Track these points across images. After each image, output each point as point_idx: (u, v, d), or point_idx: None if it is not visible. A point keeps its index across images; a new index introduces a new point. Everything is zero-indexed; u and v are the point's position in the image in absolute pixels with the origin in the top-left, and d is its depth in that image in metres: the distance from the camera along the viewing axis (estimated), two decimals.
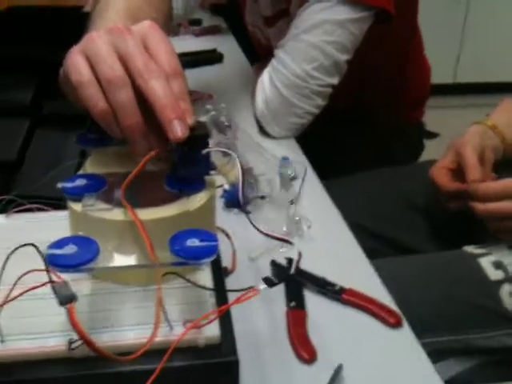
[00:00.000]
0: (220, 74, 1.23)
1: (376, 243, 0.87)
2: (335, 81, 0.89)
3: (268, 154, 0.78)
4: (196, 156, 0.44)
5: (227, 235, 0.64)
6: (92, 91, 0.43)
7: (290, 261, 0.59)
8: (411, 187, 0.96)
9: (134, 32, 0.45)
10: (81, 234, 0.41)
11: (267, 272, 0.59)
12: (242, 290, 0.39)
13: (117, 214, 0.41)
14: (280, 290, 0.56)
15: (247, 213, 0.68)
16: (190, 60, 1.24)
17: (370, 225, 0.88)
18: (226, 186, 0.70)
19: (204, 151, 0.43)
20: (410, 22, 1.07)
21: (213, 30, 1.51)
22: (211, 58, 1.28)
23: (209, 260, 0.38)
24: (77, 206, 0.42)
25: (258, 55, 1.26)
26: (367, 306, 0.54)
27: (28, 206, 0.58)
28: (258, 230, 0.52)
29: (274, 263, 0.59)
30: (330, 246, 0.65)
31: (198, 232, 0.39)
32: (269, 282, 0.40)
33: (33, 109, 0.73)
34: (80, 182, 0.45)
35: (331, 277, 0.58)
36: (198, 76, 1.17)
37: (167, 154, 0.46)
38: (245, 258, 0.61)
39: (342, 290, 0.56)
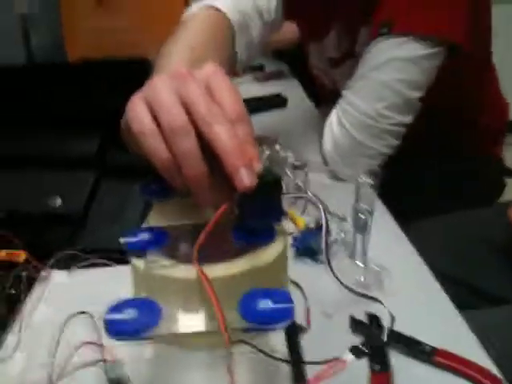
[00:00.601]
0: (285, 118, 1.20)
1: (461, 292, 0.79)
2: (408, 119, 0.84)
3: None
4: (266, 204, 0.40)
5: (300, 288, 0.59)
6: (154, 141, 0.40)
7: (372, 317, 0.53)
8: (493, 231, 0.88)
9: (196, 76, 0.42)
10: (143, 294, 0.38)
11: (345, 329, 0.54)
12: (323, 362, 0.34)
13: (181, 272, 0.37)
14: None
15: (329, 263, 0.63)
16: (254, 105, 1.23)
17: (453, 273, 0.80)
18: (296, 233, 0.66)
19: (276, 198, 0.39)
20: (483, 54, 1.01)
21: (276, 75, 1.50)
22: (275, 102, 1.26)
23: (284, 325, 0.33)
24: (139, 263, 0.39)
25: (323, 99, 1.23)
26: (464, 370, 0.48)
27: (92, 261, 0.56)
28: (343, 285, 0.46)
29: (353, 320, 0.53)
30: (415, 298, 0.59)
31: (270, 292, 0.35)
32: (357, 352, 0.35)
33: (98, 160, 0.72)
34: (143, 237, 0.42)
35: (419, 335, 0.51)
36: (263, 121, 1.15)
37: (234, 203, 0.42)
38: (318, 313, 0.56)
39: (434, 351, 0.49)
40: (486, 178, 1.14)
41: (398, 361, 0.50)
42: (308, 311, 0.56)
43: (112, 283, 0.45)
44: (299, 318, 0.55)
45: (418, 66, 0.80)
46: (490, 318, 0.66)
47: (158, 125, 0.40)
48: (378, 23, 0.82)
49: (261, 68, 1.56)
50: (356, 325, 0.53)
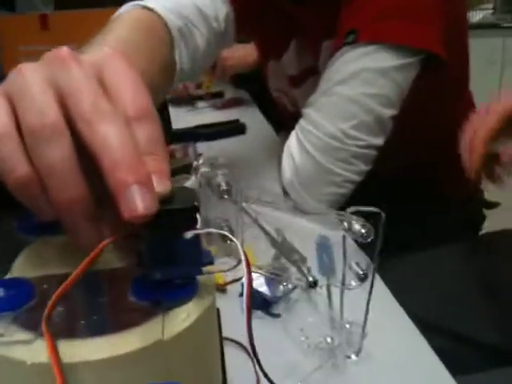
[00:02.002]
0: (243, 145, 1.08)
1: (457, 347, 0.66)
2: (379, 141, 0.72)
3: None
4: (176, 245, 0.27)
5: (249, 353, 0.45)
6: (9, 148, 0.27)
7: None
8: (481, 266, 0.77)
9: (84, 62, 0.29)
10: None
11: None
12: None
13: (33, 352, 0.23)
14: None
15: (275, 316, 0.50)
16: (211, 132, 1.11)
17: (442, 323, 0.67)
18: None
19: (188, 235, 0.26)
20: (463, 71, 0.91)
21: (236, 102, 1.39)
22: (233, 128, 1.14)
23: None
24: None
25: (284, 125, 1.11)
26: None
27: None
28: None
29: None
30: (397, 364, 0.45)
31: None
32: None
33: None
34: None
35: None
36: (220, 148, 1.03)
37: (133, 242, 0.29)
38: None
39: None
40: (466, 212, 1.04)
41: None
42: None
43: None
44: None
45: (389, 79, 0.69)
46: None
47: (20, 128, 0.27)
48: (344, 32, 0.71)
49: (220, 95, 1.45)
50: None
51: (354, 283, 0.39)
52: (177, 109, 1.35)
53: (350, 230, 0.38)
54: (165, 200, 0.26)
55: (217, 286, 0.54)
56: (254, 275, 0.51)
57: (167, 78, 0.62)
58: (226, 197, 0.43)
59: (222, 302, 0.52)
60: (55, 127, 0.26)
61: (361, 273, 0.38)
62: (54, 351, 0.22)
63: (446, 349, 0.60)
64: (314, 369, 0.42)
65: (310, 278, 0.44)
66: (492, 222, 1.09)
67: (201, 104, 1.39)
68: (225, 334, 0.42)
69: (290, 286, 0.50)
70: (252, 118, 1.24)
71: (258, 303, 0.50)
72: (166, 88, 0.63)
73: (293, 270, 0.51)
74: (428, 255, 0.84)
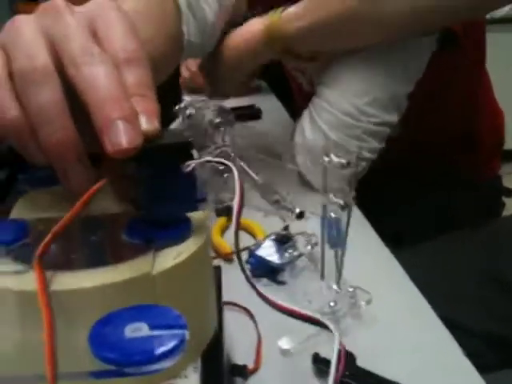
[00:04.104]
0: (259, 129, 1.08)
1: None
2: (394, 118, 0.71)
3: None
4: (170, 181, 0.27)
5: (251, 317, 0.45)
6: (0, 94, 0.27)
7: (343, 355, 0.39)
8: (493, 253, 0.74)
9: (78, 12, 0.30)
10: None
11: (307, 371, 0.39)
12: None
13: (23, 281, 0.23)
14: None
15: (280, 283, 0.50)
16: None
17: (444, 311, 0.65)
18: (253, 246, 0.52)
19: (185, 168, 0.26)
20: (478, 54, 0.89)
21: (253, 90, 1.39)
22: (249, 113, 1.14)
23: (168, 364, 0.19)
24: None
25: (301, 109, 1.11)
26: None
27: None
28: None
29: (317, 359, 0.39)
30: (402, 330, 0.45)
31: (149, 310, 0.21)
32: None
33: None
34: None
35: (405, 380, 0.37)
36: (235, 132, 1.03)
37: (128, 185, 0.29)
38: (273, 350, 0.41)
39: None
40: (482, 197, 1.02)
41: None
42: (259, 346, 0.42)
43: None
44: (248, 356, 0.41)
45: (405, 56, 0.68)
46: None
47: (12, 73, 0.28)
48: None
49: None
50: (320, 364, 0.39)
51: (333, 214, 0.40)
52: (193, 96, 1.36)
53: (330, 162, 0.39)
54: (156, 139, 0.26)
55: (223, 255, 0.54)
56: (261, 244, 0.51)
57: (175, 48, 0.62)
58: (221, 128, 0.44)
59: (227, 270, 0.52)
60: (45, 70, 0.27)
61: (341, 202, 0.39)
62: (42, 279, 0.22)
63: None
64: (316, 331, 0.42)
65: (297, 210, 0.46)
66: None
67: None
68: (230, 299, 0.42)
69: (295, 254, 0.49)
70: (268, 103, 1.23)
71: (265, 271, 0.50)
72: (173, 59, 0.63)
73: (299, 237, 0.51)
74: (443, 242, 0.82)
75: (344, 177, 0.72)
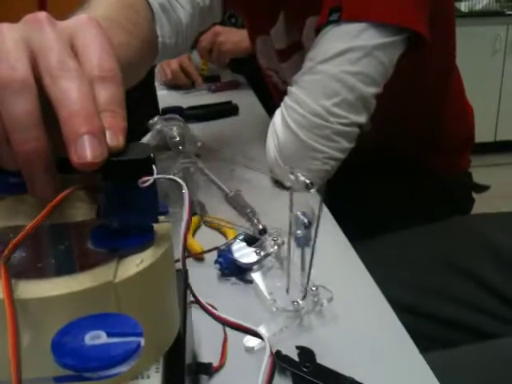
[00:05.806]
0: (235, 126, 1.10)
1: (425, 326, 0.66)
2: (362, 119, 0.73)
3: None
4: (132, 194, 0.28)
5: (215, 314, 0.47)
6: None
7: (303, 352, 0.41)
8: (457, 247, 0.77)
9: (59, 26, 0.31)
10: None
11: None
12: None
13: None
14: None
15: (247, 282, 0.52)
16: (202, 113, 1.12)
17: (408, 299, 0.68)
18: (223, 246, 0.54)
19: (143, 183, 0.28)
20: (447, 52, 0.91)
21: (231, 85, 1.40)
22: (226, 110, 1.15)
23: (124, 369, 0.21)
24: None
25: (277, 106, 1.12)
26: None
27: None
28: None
29: (279, 355, 0.41)
30: (361, 328, 0.47)
31: (108, 319, 0.23)
32: None
33: None
34: None
35: (361, 375, 0.40)
36: (211, 129, 1.04)
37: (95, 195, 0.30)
38: (238, 348, 0.43)
39: None
40: (452, 192, 1.05)
41: None
42: (224, 344, 0.44)
43: None
44: (213, 354, 0.43)
45: (372, 57, 0.70)
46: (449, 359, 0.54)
47: None
48: (327, 10, 0.71)
49: (216, 79, 1.46)
50: (282, 361, 0.41)
51: (299, 232, 0.42)
52: (171, 92, 1.36)
53: (296, 181, 0.41)
54: (121, 153, 0.28)
55: (195, 254, 0.56)
56: (230, 244, 0.53)
57: (149, 51, 0.63)
58: (180, 148, 0.45)
59: (198, 269, 0.54)
60: (24, 82, 0.28)
61: (306, 221, 0.41)
62: (8, 287, 0.24)
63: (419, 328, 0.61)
64: (279, 329, 0.44)
65: (260, 227, 0.48)
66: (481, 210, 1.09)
67: (196, 87, 1.40)
68: (200, 298, 0.44)
69: (262, 254, 0.51)
70: (246, 100, 1.25)
71: (233, 270, 0.52)
72: (147, 62, 0.64)
73: (266, 237, 0.53)
74: (409, 234, 0.84)
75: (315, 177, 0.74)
